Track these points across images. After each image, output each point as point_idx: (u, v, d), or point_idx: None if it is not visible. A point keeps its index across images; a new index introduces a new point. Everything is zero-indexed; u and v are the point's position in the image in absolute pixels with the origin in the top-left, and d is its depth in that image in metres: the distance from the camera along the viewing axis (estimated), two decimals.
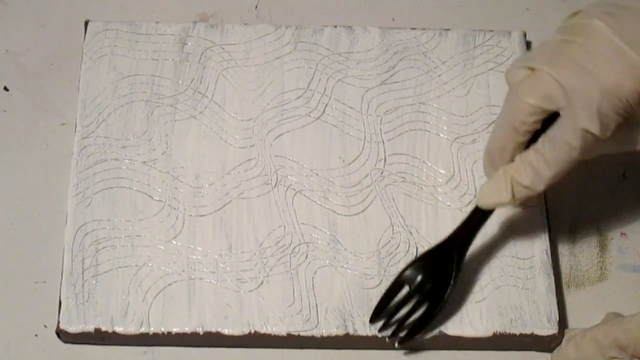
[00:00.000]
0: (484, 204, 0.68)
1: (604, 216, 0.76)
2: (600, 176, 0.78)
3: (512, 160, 0.67)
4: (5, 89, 0.79)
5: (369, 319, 0.69)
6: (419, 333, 0.69)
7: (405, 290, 0.69)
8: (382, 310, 0.69)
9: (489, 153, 0.68)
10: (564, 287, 0.74)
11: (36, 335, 0.71)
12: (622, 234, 0.76)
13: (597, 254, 0.75)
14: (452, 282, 0.68)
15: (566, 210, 0.76)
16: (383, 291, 0.69)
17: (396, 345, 0.69)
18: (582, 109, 0.61)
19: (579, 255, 0.75)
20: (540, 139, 0.65)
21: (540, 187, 0.65)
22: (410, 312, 0.69)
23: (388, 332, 0.69)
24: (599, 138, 0.62)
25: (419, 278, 0.69)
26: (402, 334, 0.69)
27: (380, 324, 0.69)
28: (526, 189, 0.66)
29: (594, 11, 0.62)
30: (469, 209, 0.73)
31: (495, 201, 0.67)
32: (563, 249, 0.75)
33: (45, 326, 0.71)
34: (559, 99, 0.62)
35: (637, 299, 0.73)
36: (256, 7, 0.83)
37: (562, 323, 0.71)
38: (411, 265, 0.69)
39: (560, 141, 0.63)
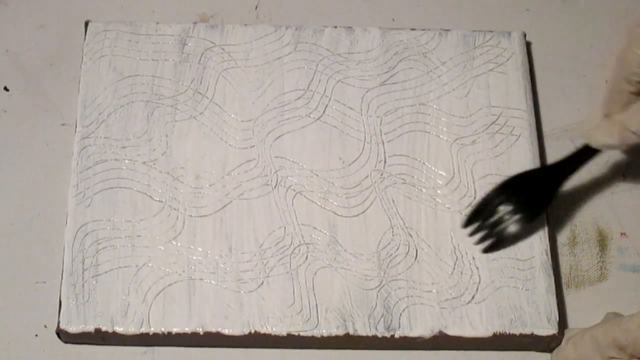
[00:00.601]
0: (595, 142, 0.71)
1: (604, 216, 0.76)
2: (600, 176, 0.78)
3: (627, 107, 0.69)
4: (5, 89, 0.79)
5: (461, 225, 0.73)
6: (506, 245, 0.72)
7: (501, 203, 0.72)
8: (476, 217, 0.72)
9: (605, 99, 0.70)
10: (564, 287, 0.74)
11: (36, 335, 0.71)
12: (622, 234, 0.76)
13: (597, 254, 0.75)
14: (546, 206, 0.72)
15: (566, 210, 0.76)
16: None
17: (481, 251, 0.72)
18: None
19: (579, 255, 0.75)
20: None
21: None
22: (499, 223, 0.72)
23: (477, 237, 0.72)
24: None
25: (517, 196, 0.72)
26: (489, 242, 0.72)
27: (472, 227, 0.72)
28: (634, 135, 0.68)
29: None
30: (469, 211, 0.73)
31: (605, 142, 0.70)
32: (563, 249, 0.75)
33: (45, 326, 0.71)
34: None
35: (637, 299, 0.73)
36: (256, 7, 0.83)
37: (562, 323, 0.71)
38: (509, 182, 0.73)
39: None
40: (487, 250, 0.72)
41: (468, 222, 0.72)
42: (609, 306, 0.69)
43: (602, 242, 0.76)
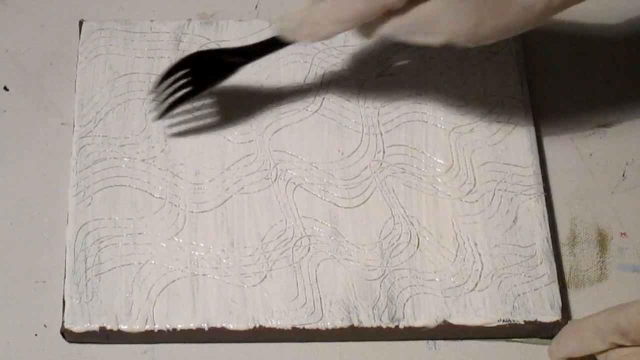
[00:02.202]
0: (277, 25, 0.69)
1: (604, 216, 0.76)
2: (600, 176, 0.78)
3: None
4: (5, 89, 0.79)
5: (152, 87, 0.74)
6: (170, 111, 0.73)
7: (186, 71, 0.73)
8: (163, 82, 0.73)
9: None
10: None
11: (36, 335, 0.71)
12: (622, 234, 0.76)
13: (597, 254, 0.75)
14: (217, 81, 0.73)
15: (566, 210, 0.76)
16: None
17: (152, 118, 0.74)
18: None
19: (579, 255, 0.75)
20: None
21: (326, 26, 0.66)
22: (178, 89, 0.73)
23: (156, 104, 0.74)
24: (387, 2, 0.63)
25: (200, 67, 0.73)
26: (161, 108, 0.73)
27: (153, 95, 0.74)
28: (314, 24, 0.66)
29: None
30: (469, 198, 0.74)
31: (286, 26, 0.68)
32: (563, 249, 0.75)
33: (45, 326, 0.71)
34: None
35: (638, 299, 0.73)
36: (256, 6, 0.83)
37: (565, 310, 0.71)
38: (202, 52, 0.74)
39: None
40: (156, 117, 0.74)
41: (153, 88, 0.74)
42: (609, 306, 0.69)
43: (602, 242, 0.75)
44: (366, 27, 0.66)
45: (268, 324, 0.69)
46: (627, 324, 0.64)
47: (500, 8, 0.63)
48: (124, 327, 0.69)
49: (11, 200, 0.75)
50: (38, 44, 0.81)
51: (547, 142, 0.78)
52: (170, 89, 0.73)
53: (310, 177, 0.74)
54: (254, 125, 0.76)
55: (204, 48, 0.77)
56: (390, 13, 0.64)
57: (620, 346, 0.65)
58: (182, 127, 0.75)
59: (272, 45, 0.71)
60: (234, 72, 0.73)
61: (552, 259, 0.72)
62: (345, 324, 0.70)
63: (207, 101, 0.76)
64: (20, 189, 0.75)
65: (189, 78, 0.73)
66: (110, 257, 0.71)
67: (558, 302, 0.70)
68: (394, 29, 0.65)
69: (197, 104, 0.76)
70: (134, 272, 0.70)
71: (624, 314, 0.64)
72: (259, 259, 0.71)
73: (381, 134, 0.76)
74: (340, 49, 0.79)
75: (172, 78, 0.73)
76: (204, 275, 0.70)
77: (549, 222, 0.73)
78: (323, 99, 0.77)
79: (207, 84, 0.73)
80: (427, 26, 0.64)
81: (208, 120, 0.76)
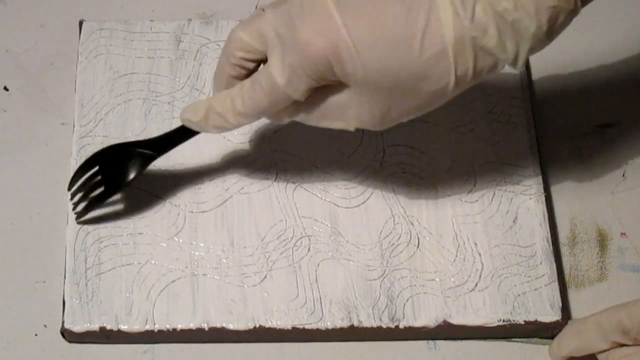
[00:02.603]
0: (182, 117, 0.67)
1: (604, 216, 0.76)
2: (600, 176, 0.78)
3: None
4: (5, 89, 0.79)
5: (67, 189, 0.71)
6: (84, 215, 0.71)
7: (96, 168, 0.71)
8: (76, 181, 0.71)
9: (214, 75, 0.67)
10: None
11: (36, 335, 0.70)
12: (622, 234, 0.76)
13: (597, 254, 0.75)
14: (132, 176, 0.70)
15: (566, 210, 0.76)
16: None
17: (74, 220, 0.72)
18: (277, 56, 0.61)
19: (579, 255, 0.75)
20: (249, 77, 0.64)
21: (230, 119, 0.64)
22: (87, 192, 0.71)
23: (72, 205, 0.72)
24: (288, 94, 0.62)
25: (111, 163, 0.70)
26: (78, 209, 0.71)
27: (69, 195, 0.71)
28: (218, 117, 0.65)
29: None
30: (469, 198, 0.74)
31: (189, 119, 0.67)
32: (563, 249, 0.75)
33: (45, 326, 0.71)
34: (264, 43, 0.62)
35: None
36: (256, 7, 0.83)
37: (565, 310, 0.71)
38: (112, 147, 0.71)
39: (257, 82, 0.63)
40: (77, 220, 0.72)
41: (70, 186, 0.71)
42: (609, 306, 0.69)
43: (602, 242, 0.75)
44: (275, 115, 0.65)
45: (268, 324, 0.69)
46: (629, 323, 0.64)
47: (409, 96, 0.61)
48: (124, 327, 0.69)
49: (11, 200, 0.75)
50: (38, 44, 0.81)
51: (547, 142, 0.78)
52: (83, 190, 0.71)
53: (310, 177, 0.74)
54: (253, 125, 0.76)
55: (109, 144, 0.73)
56: (296, 103, 0.63)
57: (622, 345, 0.66)
58: None
59: (181, 135, 0.69)
60: (146, 166, 0.70)
61: (552, 259, 0.72)
62: (345, 324, 0.70)
63: None
64: (20, 189, 0.75)
65: (99, 177, 0.71)
66: (110, 257, 0.71)
67: (558, 302, 0.70)
68: (302, 118, 0.65)
69: None
70: (134, 272, 0.70)
71: (626, 312, 0.64)
72: (259, 259, 0.71)
73: (381, 134, 0.76)
74: None
75: (83, 178, 0.71)
76: (204, 275, 0.70)
77: (549, 222, 0.73)
78: None
79: (120, 181, 0.70)
80: (334, 115, 0.64)
81: None
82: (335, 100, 0.63)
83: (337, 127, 0.64)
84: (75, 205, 0.71)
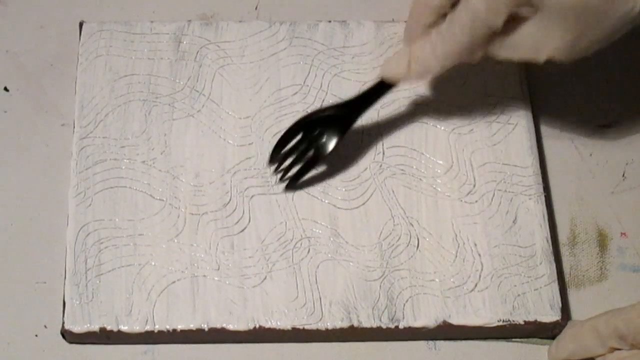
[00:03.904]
0: (385, 74, 0.70)
1: (604, 216, 0.76)
2: (600, 176, 0.78)
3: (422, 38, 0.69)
4: (5, 89, 0.79)
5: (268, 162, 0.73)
6: (297, 181, 0.73)
7: (300, 135, 0.73)
8: (279, 152, 0.73)
9: (406, 27, 0.70)
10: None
11: (36, 336, 0.71)
12: (622, 234, 0.76)
13: (597, 254, 0.75)
14: (335, 141, 0.72)
15: (566, 210, 0.76)
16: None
17: (283, 189, 0.73)
18: None
19: (579, 255, 0.75)
20: (446, 20, 0.67)
21: (432, 62, 0.68)
22: (297, 159, 0.73)
23: (279, 176, 0.74)
24: (489, 23, 0.64)
25: (313, 130, 0.72)
26: (286, 179, 0.73)
27: (274, 167, 0.74)
28: (421, 63, 0.68)
29: None
30: (469, 198, 0.74)
31: (394, 72, 0.70)
32: (563, 249, 0.75)
33: (45, 326, 0.71)
34: None
35: (637, 299, 0.72)
36: (256, 7, 0.83)
37: (565, 310, 0.71)
38: (312, 115, 0.73)
39: (455, 19, 0.65)
40: (287, 187, 0.73)
41: (270, 160, 0.73)
42: (609, 306, 0.69)
43: (602, 242, 0.75)
44: (472, 52, 0.67)
45: (268, 325, 0.69)
46: (625, 329, 0.64)
47: (597, 21, 0.64)
48: (124, 328, 0.69)
49: (11, 201, 0.75)
50: (38, 45, 0.81)
51: (547, 142, 0.78)
52: (295, 154, 0.73)
53: (310, 179, 0.74)
54: (253, 128, 0.76)
55: (306, 112, 0.75)
56: (493, 35, 0.65)
57: (619, 349, 0.66)
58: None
59: (379, 91, 0.72)
60: (348, 128, 0.72)
61: (552, 259, 0.72)
62: (345, 324, 0.70)
63: (206, 103, 0.76)
64: (20, 189, 0.75)
65: (305, 143, 0.73)
66: (111, 258, 0.71)
67: (558, 302, 0.70)
68: (496, 50, 0.67)
69: (196, 105, 0.76)
70: (134, 273, 0.70)
71: (622, 318, 0.65)
72: (259, 261, 0.71)
73: (381, 135, 0.76)
74: (340, 50, 0.79)
75: (288, 147, 0.73)
76: (204, 276, 0.70)
77: (549, 222, 0.73)
78: (323, 100, 0.77)
79: (326, 146, 0.72)
80: (528, 45, 0.66)
81: (207, 122, 0.76)
82: (529, 29, 0.65)
83: (528, 59, 0.67)
84: (285, 171, 0.73)
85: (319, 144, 0.72)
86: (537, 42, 0.66)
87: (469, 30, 0.65)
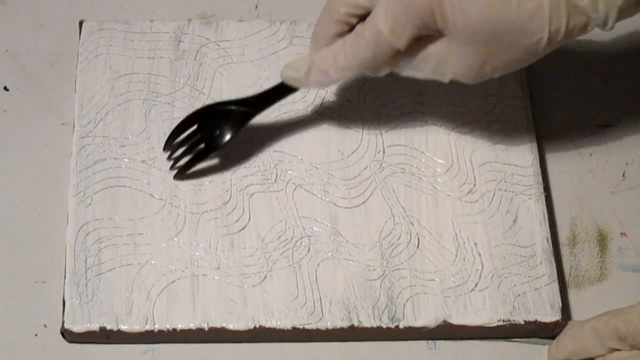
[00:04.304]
0: (283, 75, 0.71)
1: (604, 216, 0.76)
2: (600, 176, 0.78)
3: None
4: (5, 89, 0.79)
5: (163, 149, 0.74)
6: (186, 171, 0.73)
7: (195, 127, 0.73)
8: (174, 140, 0.74)
9: (313, 33, 0.69)
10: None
11: (36, 335, 0.71)
12: (622, 234, 0.76)
13: (597, 254, 0.75)
14: (229, 136, 0.72)
15: (566, 210, 0.76)
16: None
17: (173, 177, 0.74)
18: (382, 7, 0.64)
19: (579, 255, 0.75)
20: (352, 32, 0.67)
21: (332, 73, 0.68)
22: (188, 149, 0.73)
23: (170, 164, 0.74)
24: (392, 44, 0.64)
25: (209, 122, 0.73)
26: (176, 168, 0.74)
27: (167, 153, 0.74)
28: (320, 72, 0.68)
29: None
30: (469, 198, 0.74)
31: (292, 76, 0.70)
32: (563, 249, 0.75)
33: (45, 326, 0.71)
34: None
35: (637, 299, 0.72)
36: (256, 7, 0.83)
37: (565, 310, 0.71)
38: (210, 107, 0.73)
39: (360, 34, 0.66)
40: (175, 177, 0.74)
41: (164, 148, 0.74)
42: (609, 306, 0.69)
43: (602, 242, 0.75)
44: (375, 68, 0.67)
45: (268, 324, 0.69)
46: (625, 330, 0.65)
47: (504, 49, 0.64)
48: (124, 327, 0.69)
49: (11, 200, 0.75)
50: (38, 44, 0.81)
51: (547, 142, 0.78)
52: (183, 148, 0.73)
53: (310, 178, 0.74)
54: (253, 126, 0.76)
55: (207, 104, 0.75)
56: (396, 53, 0.65)
57: (619, 349, 0.66)
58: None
59: (279, 92, 0.72)
60: (244, 124, 0.73)
61: (552, 259, 0.72)
62: (345, 324, 0.70)
63: (206, 102, 0.76)
64: (20, 189, 0.75)
65: (198, 135, 0.73)
66: (111, 258, 0.71)
67: (558, 302, 0.71)
68: (400, 68, 0.67)
69: (196, 104, 0.76)
70: (134, 273, 0.70)
71: (622, 319, 0.65)
72: (259, 260, 0.71)
73: (381, 134, 0.76)
74: None
75: (183, 136, 0.73)
76: (204, 275, 0.70)
77: (549, 222, 0.73)
78: (323, 99, 0.77)
79: (218, 140, 0.72)
80: (431, 66, 0.66)
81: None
82: (434, 51, 0.65)
83: (432, 78, 0.67)
84: (175, 161, 0.73)
85: (212, 136, 0.73)
86: (442, 63, 0.66)
87: (372, 47, 0.65)
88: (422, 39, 0.65)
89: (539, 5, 0.62)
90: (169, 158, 0.74)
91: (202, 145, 0.73)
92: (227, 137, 0.72)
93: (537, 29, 0.63)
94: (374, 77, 0.68)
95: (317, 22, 0.69)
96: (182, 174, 0.73)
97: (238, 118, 0.72)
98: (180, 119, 0.73)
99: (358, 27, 0.66)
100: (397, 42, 0.64)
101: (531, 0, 0.62)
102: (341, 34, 0.67)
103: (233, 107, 0.73)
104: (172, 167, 0.74)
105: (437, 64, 0.66)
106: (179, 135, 0.73)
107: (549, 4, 0.62)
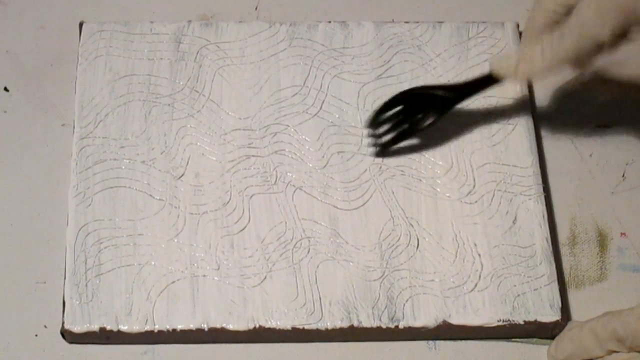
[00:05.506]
0: (493, 68, 0.72)
1: (604, 216, 0.76)
2: (600, 176, 0.78)
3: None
4: (5, 89, 0.79)
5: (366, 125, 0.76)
6: (390, 148, 0.75)
7: (400, 107, 0.74)
8: (378, 118, 0.75)
9: (524, 29, 0.71)
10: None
11: (36, 336, 0.71)
12: (622, 234, 0.76)
13: (597, 254, 0.75)
14: (433, 119, 0.73)
15: (566, 210, 0.76)
16: None
17: (373, 154, 0.75)
18: (587, 1, 0.65)
19: (579, 255, 0.75)
20: (558, 28, 0.68)
21: (538, 66, 0.68)
22: (392, 127, 0.75)
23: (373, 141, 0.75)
24: (595, 35, 0.65)
25: (413, 104, 0.74)
26: (379, 145, 0.75)
27: (369, 131, 0.76)
28: (528, 65, 0.69)
29: None
30: (469, 199, 0.74)
31: (502, 68, 0.71)
32: (563, 249, 0.75)
33: (45, 326, 0.71)
34: None
35: (637, 299, 0.73)
36: (256, 7, 0.83)
37: (565, 310, 0.71)
38: (417, 89, 0.75)
39: (565, 28, 0.66)
40: (376, 154, 0.75)
41: (368, 125, 0.75)
42: (609, 306, 0.69)
43: (602, 242, 0.75)
44: (579, 62, 0.68)
45: (268, 325, 0.69)
46: (623, 332, 0.65)
47: None
48: (124, 328, 0.69)
49: (11, 201, 0.75)
50: (38, 45, 0.81)
51: (547, 142, 0.78)
52: (386, 126, 0.75)
53: (310, 180, 0.74)
54: (253, 128, 0.76)
55: (412, 86, 0.76)
56: (601, 47, 0.66)
57: (617, 351, 0.66)
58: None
59: (485, 83, 0.73)
60: (448, 110, 0.74)
61: (552, 259, 0.72)
62: (345, 324, 0.70)
63: (206, 103, 0.76)
64: (20, 189, 0.75)
65: (401, 116, 0.74)
66: (110, 258, 0.71)
67: (558, 302, 0.71)
68: (606, 62, 0.69)
69: (196, 105, 0.76)
70: (134, 273, 0.70)
71: (621, 321, 0.65)
72: (259, 260, 0.71)
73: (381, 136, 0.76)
74: (340, 51, 0.79)
75: (387, 114, 0.74)
76: (204, 276, 0.70)
77: (548, 222, 0.73)
78: (322, 101, 0.77)
79: (422, 121, 0.73)
80: (634, 63, 0.68)
81: (207, 122, 0.76)
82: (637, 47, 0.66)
83: (632, 76, 0.69)
84: (378, 137, 0.75)
85: (416, 119, 0.74)
86: None
87: (576, 41, 0.66)
88: (626, 35, 0.65)
89: None
90: (372, 135, 0.75)
91: (406, 125, 0.74)
92: (430, 120, 0.73)
93: None
94: (581, 71, 0.70)
95: (528, 18, 0.70)
96: (383, 150, 0.75)
97: (442, 103, 0.73)
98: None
99: (563, 22, 0.67)
100: (601, 34, 0.65)
101: None
102: (549, 30, 0.68)
103: (439, 92, 0.74)
104: (374, 144, 0.75)
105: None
106: (382, 115, 0.75)
107: None
